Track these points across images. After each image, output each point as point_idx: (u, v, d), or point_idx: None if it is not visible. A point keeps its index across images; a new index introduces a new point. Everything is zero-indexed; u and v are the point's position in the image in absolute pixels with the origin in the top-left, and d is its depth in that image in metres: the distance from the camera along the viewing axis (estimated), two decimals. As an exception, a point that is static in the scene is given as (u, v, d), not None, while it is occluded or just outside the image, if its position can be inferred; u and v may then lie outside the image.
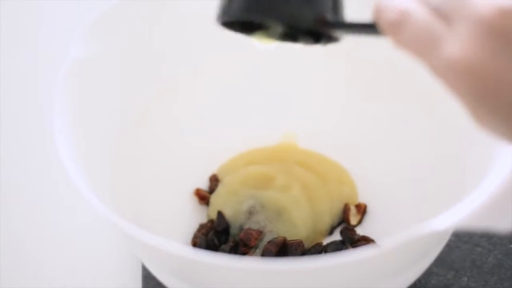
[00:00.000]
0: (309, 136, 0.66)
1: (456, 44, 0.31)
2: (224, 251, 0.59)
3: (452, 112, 0.56)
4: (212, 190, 0.63)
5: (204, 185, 0.65)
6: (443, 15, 0.32)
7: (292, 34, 0.42)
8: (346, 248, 0.59)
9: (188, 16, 0.60)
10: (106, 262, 0.61)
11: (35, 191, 0.66)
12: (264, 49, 0.44)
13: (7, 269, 0.60)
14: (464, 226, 0.39)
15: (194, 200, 0.63)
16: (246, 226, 0.60)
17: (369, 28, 0.36)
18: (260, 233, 0.59)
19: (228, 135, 0.65)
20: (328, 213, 0.62)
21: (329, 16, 0.39)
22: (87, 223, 0.63)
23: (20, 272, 0.60)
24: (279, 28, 0.42)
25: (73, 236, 0.63)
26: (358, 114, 0.64)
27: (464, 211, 0.39)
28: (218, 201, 0.62)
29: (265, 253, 0.57)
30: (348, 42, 0.53)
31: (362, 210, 0.62)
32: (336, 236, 0.61)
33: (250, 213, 0.61)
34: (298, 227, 0.60)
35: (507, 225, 0.38)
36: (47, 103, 0.49)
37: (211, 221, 0.61)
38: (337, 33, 0.39)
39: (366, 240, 0.59)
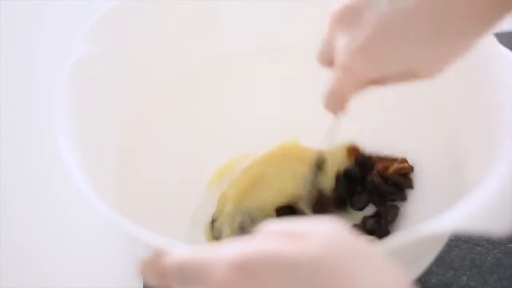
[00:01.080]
0: (311, 137, 0.66)
1: None
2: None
3: (453, 114, 0.56)
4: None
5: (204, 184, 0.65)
6: None
7: None
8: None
9: (191, 17, 0.60)
10: (107, 262, 0.61)
11: (36, 191, 0.66)
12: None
13: (7, 269, 0.60)
14: (463, 228, 0.39)
15: (195, 200, 0.64)
16: None
17: None
18: None
19: (229, 136, 0.65)
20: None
21: None
22: (87, 223, 0.63)
23: (21, 272, 0.60)
24: None
25: (73, 236, 0.63)
26: (358, 115, 0.64)
27: (463, 213, 0.39)
28: (218, 226, 0.62)
29: None
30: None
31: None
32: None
33: (242, 228, 0.61)
34: None
35: (505, 227, 0.38)
36: (49, 103, 0.49)
37: None
38: None
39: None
